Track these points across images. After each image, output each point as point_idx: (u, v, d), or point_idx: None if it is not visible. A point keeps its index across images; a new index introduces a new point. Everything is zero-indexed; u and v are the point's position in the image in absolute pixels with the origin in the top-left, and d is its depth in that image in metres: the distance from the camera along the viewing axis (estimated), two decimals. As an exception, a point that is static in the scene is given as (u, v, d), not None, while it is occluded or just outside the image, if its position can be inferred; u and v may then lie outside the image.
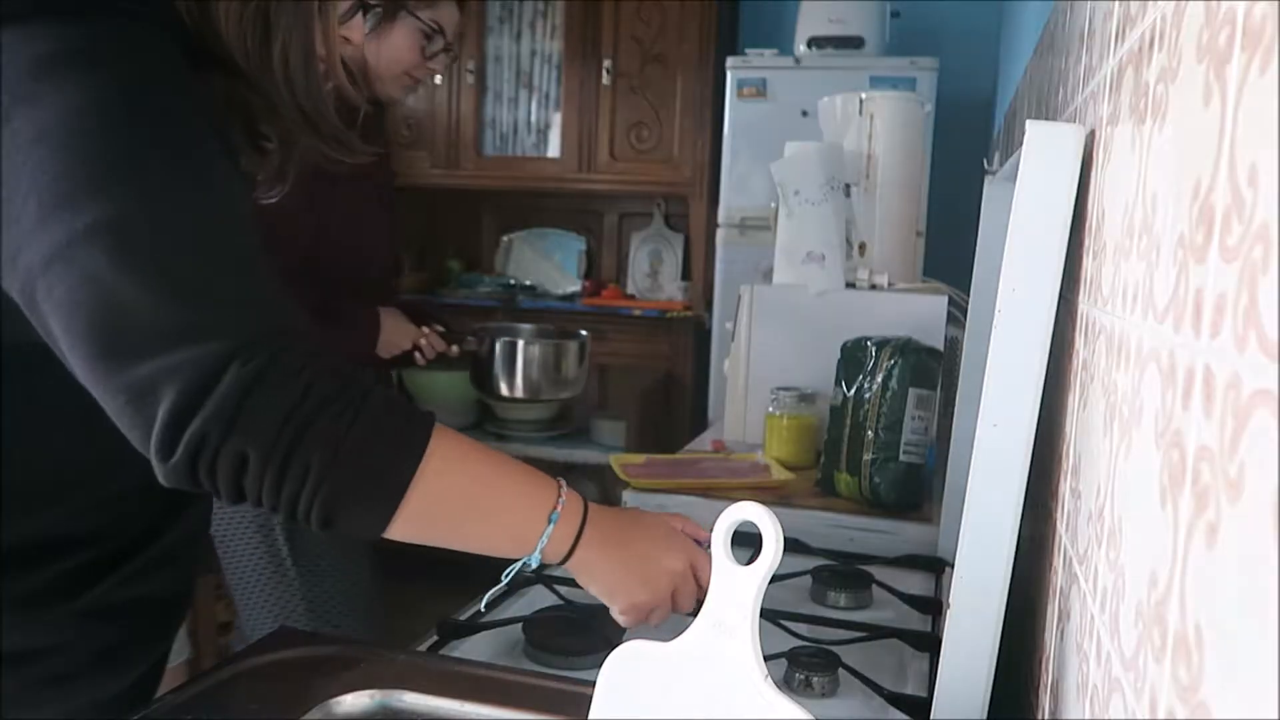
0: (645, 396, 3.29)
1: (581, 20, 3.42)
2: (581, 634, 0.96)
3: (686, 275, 3.60)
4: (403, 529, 0.70)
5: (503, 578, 0.81)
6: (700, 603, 0.63)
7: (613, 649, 0.64)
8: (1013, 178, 0.70)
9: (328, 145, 0.80)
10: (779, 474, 1.58)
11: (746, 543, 0.59)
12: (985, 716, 0.71)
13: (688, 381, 3.45)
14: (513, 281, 3.74)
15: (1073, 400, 0.69)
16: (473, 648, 0.96)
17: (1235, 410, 0.30)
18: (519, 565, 0.77)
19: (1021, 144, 0.69)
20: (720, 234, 3.18)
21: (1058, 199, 0.67)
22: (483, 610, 0.95)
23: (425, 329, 1.67)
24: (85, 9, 0.65)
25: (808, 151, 1.83)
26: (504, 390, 1.97)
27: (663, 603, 0.82)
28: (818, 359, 1.67)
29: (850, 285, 1.83)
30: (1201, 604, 0.32)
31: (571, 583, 1.09)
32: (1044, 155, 0.67)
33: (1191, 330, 0.36)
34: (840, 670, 0.89)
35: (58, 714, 0.77)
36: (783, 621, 0.99)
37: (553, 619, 1.00)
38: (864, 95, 1.97)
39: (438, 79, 3.45)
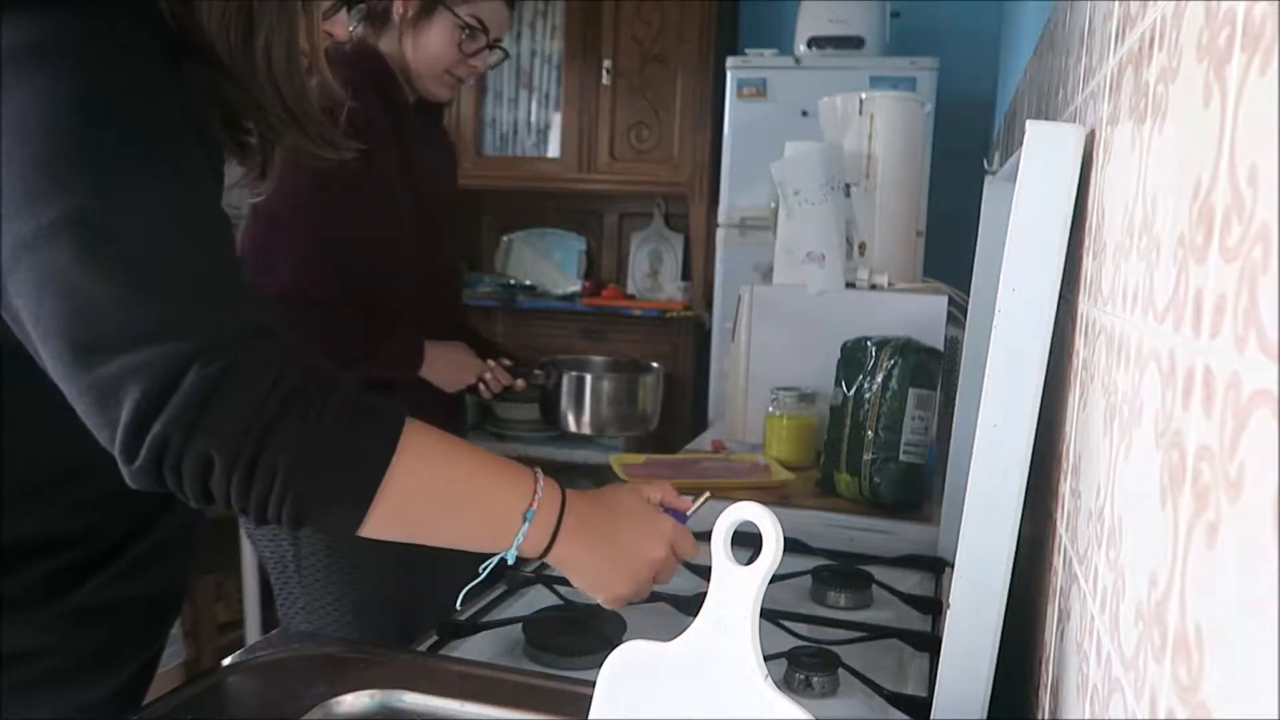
0: (645, 396, 3.28)
1: (581, 20, 3.42)
2: (581, 634, 0.96)
3: (686, 275, 3.60)
4: (377, 528, 0.69)
5: (480, 570, 0.81)
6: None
7: (613, 649, 0.64)
8: (1013, 178, 0.70)
9: (312, 141, 0.79)
10: (779, 474, 1.58)
11: (746, 543, 0.59)
12: (985, 716, 0.71)
13: (688, 381, 3.45)
14: (512, 281, 3.73)
15: (1073, 400, 0.69)
16: (473, 648, 0.96)
17: (1235, 410, 0.30)
18: (495, 560, 0.77)
19: (1021, 144, 0.69)
20: (720, 234, 3.17)
21: (1058, 199, 0.67)
22: (458, 607, 0.94)
23: (490, 363, 1.64)
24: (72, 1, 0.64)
25: (808, 151, 1.83)
26: (572, 426, 1.89)
27: (644, 587, 0.83)
28: (818, 359, 1.67)
29: (850, 285, 1.83)
30: (1201, 604, 0.32)
31: (571, 583, 1.10)
32: (1044, 155, 0.67)
33: (1191, 330, 0.36)
34: (840, 670, 0.89)
35: (46, 715, 0.77)
36: (783, 621, 0.99)
37: (553, 619, 1.00)
38: (864, 95, 1.97)
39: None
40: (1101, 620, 0.50)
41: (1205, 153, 0.36)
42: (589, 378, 1.96)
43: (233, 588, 2.51)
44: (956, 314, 1.72)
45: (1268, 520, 0.26)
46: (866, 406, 1.48)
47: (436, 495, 0.72)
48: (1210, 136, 0.35)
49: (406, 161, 1.55)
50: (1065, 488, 0.69)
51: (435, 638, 0.97)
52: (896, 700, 0.85)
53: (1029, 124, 0.68)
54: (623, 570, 0.80)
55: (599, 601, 0.83)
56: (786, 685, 0.88)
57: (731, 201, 3.14)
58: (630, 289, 3.69)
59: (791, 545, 1.20)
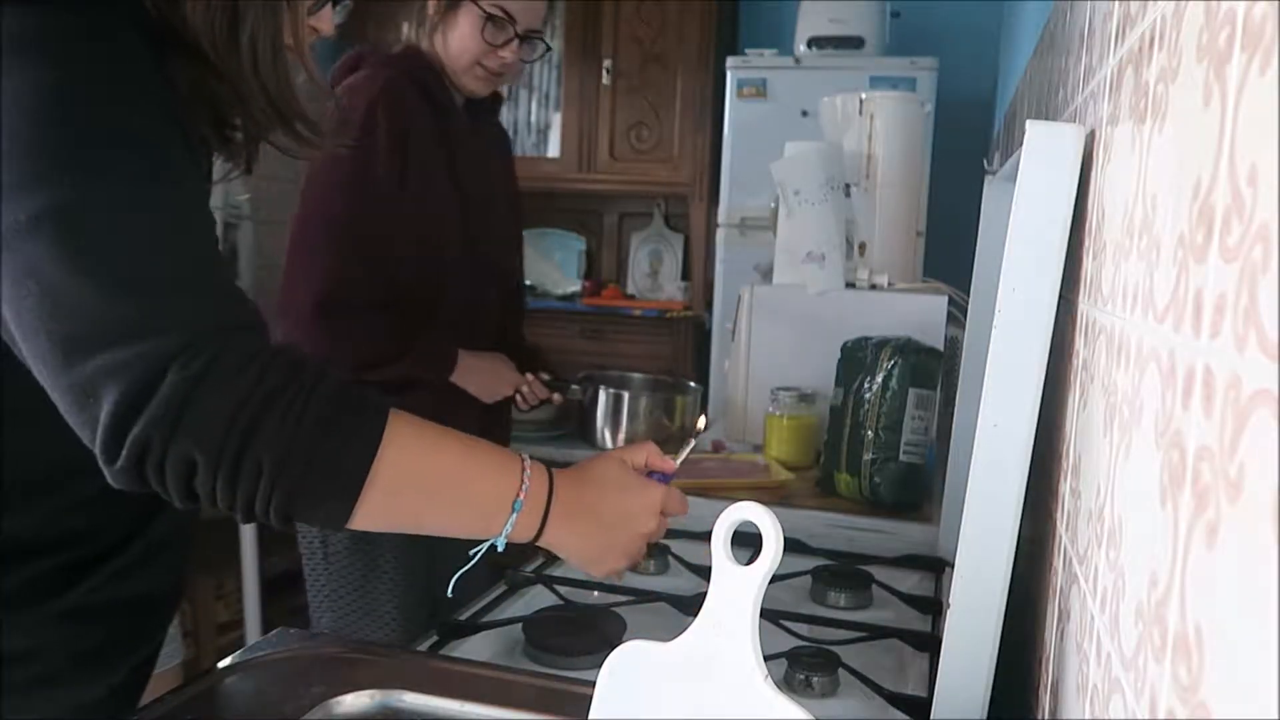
0: (645, 396, 3.28)
1: (581, 20, 3.42)
2: (581, 634, 0.95)
3: (686, 275, 3.60)
4: (365, 520, 0.69)
5: (470, 554, 0.81)
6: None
7: (613, 649, 0.64)
8: (1013, 178, 0.70)
9: (297, 137, 0.79)
10: (779, 474, 1.58)
11: (746, 543, 0.59)
12: (985, 716, 0.71)
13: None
14: (513, 281, 3.73)
15: (1073, 400, 0.69)
16: (473, 648, 0.96)
17: (1235, 410, 0.30)
18: (486, 546, 0.77)
19: (1021, 144, 0.69)
20: (720, 234, 3.17)
21: (1058, 199, 0.67)
22: (450, 594, 0.94)
23: (528, 375, 1.65)
24: None
25: (808, 151, 1.83)
26: (608, 443, 1.88)
27: (636, 555, 0.85)
28: (818, 359, 1.67)
29: (850, 285, 1.83)
30: (1201, 604, 0.32)
31: (571, 583, 1.10)
32: (1044, 155, 0.67)
33: (1191, 330, 0.36)
34: (840, 670, 0.89)
35: (42, 716, 0.76)
36: (783, 621, 0.99)
37: (553, 619, 1.00)
38: (864, 95, 1.97)
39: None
40: (1101, 620, 0.50)
41: (1205, 153, 0.36)
42: (626, 395, 1.93)
43: (233, 588, 2.51)
44: (956, 314, 1.72)
45: (1268, 520, 0.26)
46: (866, 406, 1.48)
47: (424, 486, 0.72)
48: (1210, 136, 0.35)
49: (450, 162, 1.56)
50: (1065, 488, 0.69)
51: (435, 638, 0.97)
52: (896, 700, 0.85)
53: (1029, 124, 0.68)
54: (613, 546, 0.82)
55: (593, 576, 0.84)
56: (786, 685, 0.88)
57: (731, 201, 3.14)
58: (630, 289, 3.69)
59: (791, 545, 1.20)
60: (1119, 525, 0.48)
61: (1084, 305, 0.68)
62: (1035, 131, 0.68)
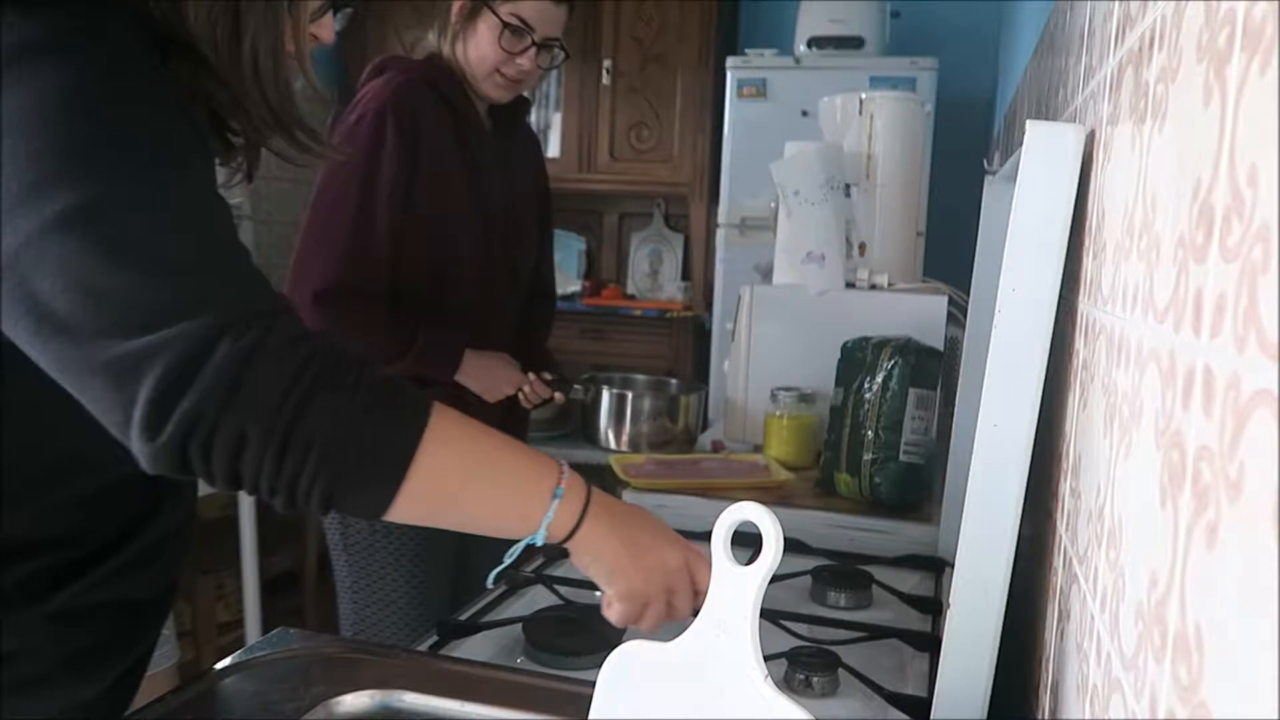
0: (645, 396, 3.28)
1: (581, 20, 3.42)
2: (581, 634, 0.96)
3: (686, 275, 3.60)
4: (405, 506, 0.69)
5: (505, 558, 0.80)
6: (697, 610, 0.62)
7: (613, 649, 0.64)
8: (1013, 178, 0.70)
9: (296, 144, 0.79)
10: (779, 474, 1.58)
11: (746, 543, 0.59)
12: (985, 716, 0.71)
13: (688, 382, 3.45)
14: (513, 281, 3.73)
15: (1073, 400, 0.69)
16: (473, 648, 0.96)
17: (1235, 410, 0.30)
18: (523, 544, 0.76)
19: (1021, 144, 0.69)
20: (720, 234, 3.17)
21: (1058, 199, 0.67)
22: (489, 585, 0.94)
23: (530, 375, 1.65)
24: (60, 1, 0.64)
25: (808, 151, 1.83)
26: (612, 443, 1.88)
27: (657, 598, 0.80)
28: (818, 359, 1.67)
29: (850, 285, 1.83)
30: (1201, 604, 0.32)
31: (571, 583, 1.10)
32: (1044, 155, 0.67)
33: (1191, 330, 0.36)
34: (840, 670, 0.89)
35: (33, 717, 0.76)
36: (783, 621, 0.99)
37: (553, 619, 1.00)
38: (864, 95, 1.97)
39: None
40: (1101, 620, 0.50)
41: (1205, 153, 0.36)
42: (630, 395, 1.93)
43: (233, 588, 2.51)
44: (956, 314, 1.72)
45: (1268, 520, 0.26)
46: (866, 406, 1.48)
47: (465, 475, 0.72)
48: (1210, 136, 0.35)
49: (468, 166, 1.58)
50: (1065, 488, 0.69)
51: (435, 638, 0.97)
52: (896, 700, 0.85)
53: (1029, 124, 0.68)
54: (640, 564, 0.79)
55: (612, 597, 0.81)
56: (786, 685, 0.88)
57: (731, 201, 3.14)
58: (630, 289, 3.68)
59: (791, 545, 1.20)
60: (1119, 525, 0.48)
61: (1084, 305, 0.68)
62: (1035, 131, 0.68)
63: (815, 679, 0.88)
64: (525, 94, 1.70)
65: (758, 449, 1.76)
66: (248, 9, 0.71)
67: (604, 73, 3.43)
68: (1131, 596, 0.43)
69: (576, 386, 1.77)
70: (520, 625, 0.98)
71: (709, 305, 3.35)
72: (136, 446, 0.63)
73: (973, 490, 0.69)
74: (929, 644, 0.97)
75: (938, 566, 1.23)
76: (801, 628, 0.99)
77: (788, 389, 1.72)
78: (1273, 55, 0.29)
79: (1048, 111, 1.14)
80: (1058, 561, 0.70)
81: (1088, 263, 0.67)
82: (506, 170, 1.67)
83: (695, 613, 0.62)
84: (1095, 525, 0.54)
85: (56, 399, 0.64)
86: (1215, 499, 0.31)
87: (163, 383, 0.61)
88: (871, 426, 1.47)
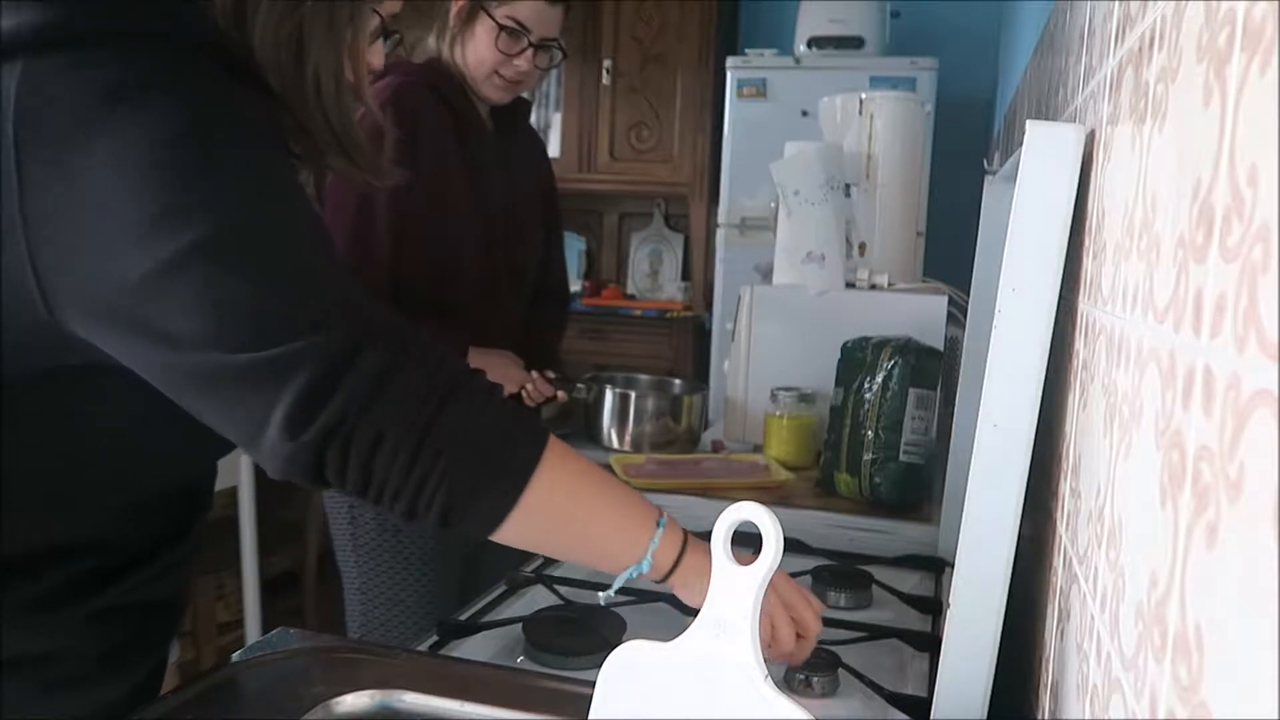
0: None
1: (581, 20, 3.42)
2: (581, 634, 0.96)
3: (686, 275, 3.60)
4: (520, 521, 0.72)
5: (613, 589, 0.81)
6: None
7: (613, 649, 0.64)
8: (1013, 178, 0.70)
9: (358, 168, 0.82)
10: (779, 474, 1.58)
11: (746, 543, 0.59)
12: (985, 716, 0.71)
13: (688, 382, 3.45)
14: (513, 281, 3.73)
15: (1073, 400, 0.69)
16: (473, 648, 0.96)
17: (1235, 410, 0.30)
18: (629, 573, 0.78)
19: (1021, 144, 0.69)
20: (720, 234, 3.18)
21: (1058, 199, 0.67)
22: (602, 604, 0.97)
23: (533, 374, 1.65)
24: (141, 37, 0.66)
25: (808, 151, 1.83)
26: (615, 443, 1.88)
27: (777, 616, 0.82)
28: (818, 359, 1.67)
29: (850, 285, 1.83)
30: (1201, 604, 0.32)
31: (571, 583, 1.10)
32: (1044, 155, 0.67)
33: (1191, 330, 0.36)
34: (840, 670, 0.89)
35: (68, 714, 0.77)
36: (783, 621, 0.99)
37: (553, 619, 1.00)
38: (864, 95, 1.97)
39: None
40: (1101, 620, 0.50)
41: (1205, 153, 0.36)
42: (633, 395, 1.93)
43: (233, 588, 2.51)
44: (956, 314, 1.72)
45: (1268, 520, 0.26)
46: (866, 406, 1.48)
47: (579, 495, 0.76)
48: (1210, 136, 0.35)
49: (469, 166, 1.59)
50: (1065, 488, 0.69)
51: (435, 638, 0.97)
52: (896, 700, 0.85)
53: (1029, 124, 0.68)
54: None
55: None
56: (786, 685, 0.88)
57: (731, 201, 3.14)
58: (630, 289, 3.69)
59: (791, 545, 1.20)
60: (1119, 525, 0.48)
61: (1084, 305, 0.68)
62: (1035, 131, 0.68)
63: (815, 679, 0.88)
64: (525, 95, 1.70)
65: (758, 449, 1.76)
66: (310, 34, 0.74)
67: (604, 73, 3.43)
68: (1131, 596, 0.43)
69: (579, 386, 1.77)
70: (520, 625, 0.98)
71: (709, 305, 3.35)
72: (273, 448, 0.66)
73: (973, 490, 0.69)
74: (929, 644, 0.97)
75: (938, 566, 1.23)
76: (801, 628, 0.99)
77: (788, 389, 1.72)
78: (1273, 55, 0.29)
79: (1048, 111, 1.14)
80: (1058, 561, 0.70)
81: (1088, 263, 0.67)
82: (508, 171, 1.68)
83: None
84: (1095, 525, 0.54)
85: (134, 406, 0.68)
86: (1215, 499, 0.31)
87: (309, 386, 0.65)
88: (871, 426, 1.47)
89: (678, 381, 2.17)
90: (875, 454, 1.47)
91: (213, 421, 0.68)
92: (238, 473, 2.11)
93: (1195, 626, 0.32)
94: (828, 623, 1.02)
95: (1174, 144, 0.42)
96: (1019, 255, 0.68)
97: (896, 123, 1.95)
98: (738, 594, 0.59)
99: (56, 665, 0.76)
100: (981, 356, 0.70)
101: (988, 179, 1.10)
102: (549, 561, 1.19)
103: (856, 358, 1.53)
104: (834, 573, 1.16)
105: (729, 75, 3.12)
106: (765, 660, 0.57)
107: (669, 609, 1.01)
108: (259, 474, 2.13)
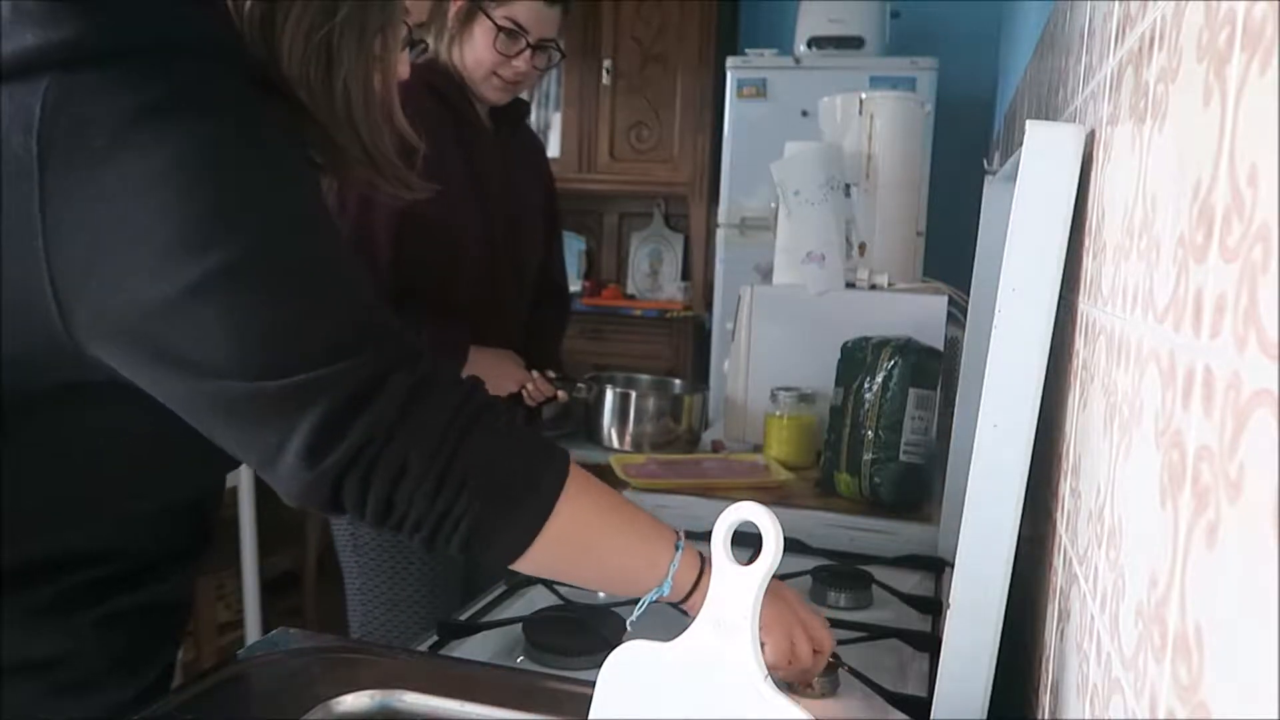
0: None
1: (581, 20, 3.42)
2: (581, 634, 0.96)
3: (686, 275, 3.60)
4: (542, 550, 0.72)
5: (635, 614, 0.81)
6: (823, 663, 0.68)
7: (613, 649, 0.64)
8: (1013, 178, 0.70)
9: (387, 181, 0.81)
10: (779, 474, 1.58)
11: (746, 543, 0.59)
12: (985, 716, 0.71)
13: (688, 382, 3.45)
14: (513, 281, 3.73)
15: (1073, 400, 0.69)
16: (473, 648, 0.96)
17: (1235, 410, 0.30)
18: (653, 595, 0.78)
19: (1021, 144, 0.69)
20: (720, 234, 3.17)
21: (1058, 199, 0.67)
22: (628, 628, 0.96)
23: (534, 373, 1.66)
24: (169, 53, 0.65)
25: (808, 151, 1.83)
26: (615, 443, 1.89)
27: (795, 631, 0.82)
28: (818, 359, 1.67)
29: (850, 285, 1.83)
30: (1201, 604, 0.32)
31: (571, 583, 1.09)
32: (1044, 155, 0.67)
33: (1191, 330, 0.36)
34: (840, 670, 0.89)
35: (76, 716, 0.77)
36: (783, 621, 0.99)
37: (553, 619, 1.00)
38: (864, 95, 1.97)
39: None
40: (1101, 620, 0.50)
41: (1205, 153, 0.36)
42: (633, 395, 1.93)
43: (233, 588, 2.51)
44: (956, 314, 1.72)
45: (1268, 520, 0.26)
46: (866, 406, 1.48)
47: (600, 522, 0.76)
48: (1210, 136, 0.35)
49: (470, 167, 1.59)
50: (1065, 488, 0.69)
51: (435, 638, 0.97)
52: (896, 700, 0.85)
53: (1029, 124, 0.68)
54: (770, 615, 0.80)
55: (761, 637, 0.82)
56: (787, 685, 0.88)
57: (731, 201, 3.14)
58: (630, 289, 3.69)
59: (791, 545, 1.20)
60: (1119, 525, 0.48)
61: (1084, 305, 0.68)
62: (1035, 131, 0.68)
63: (815, 679, 0.88)
64: (523, 95, 1.70)
65: (758, 449, 1.76)
66: (340, 48, 0.73)
67: (604, 73, 3.43)
68: (1131, 596, 0.43)
69: (580, 385, 1.77)
70: (520, 625, 0.98)
71: (709, 305, 3.35)
72: (290, 475, 0.66)
73: (973, 490, 0.69)
74: (929, 644, 0.97)
75: (938, 566, 1.23)
76: (801, 628, 0.99)
77: (788, 389, 1.72)
78: (1273, 55, 0.29)
79: (1048, 111, 1.14)
80: (1058, 561, 0.70)
81: (1088, 263, 0.67)
82: (508, 171, 1.68)
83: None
84: (1095, 525, 0.54)
85: (148, 423, 0.67)
86: (1215, 499, 0.31)
87: (333, 412, 0.64)
88: (871, 426, 1.47)
89: (678, 381, 2.17)
90: (875, 454, 1.47)
91: (228, 445, 0.68)
92: (238, 473, 2.11)
93: (1195, 626, 0.32)
94: (828, 623, 1.02)
95: (1174, 144, 0.42)
96: (1019, 255, 0.68)
97: (896, 123, 1.95)
98: (738, 594, 0.59)
99: (65, 669, 0.76)
100: (981, 356, 0.70)
101: (988, 179, 1.10)
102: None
103: (856, 358, 1.53)
104: (834, 573, 1.16)
105: (729, 75, 3.12)
106: (781, 675, 0.56)
107: (669, 609, 1.01)
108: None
